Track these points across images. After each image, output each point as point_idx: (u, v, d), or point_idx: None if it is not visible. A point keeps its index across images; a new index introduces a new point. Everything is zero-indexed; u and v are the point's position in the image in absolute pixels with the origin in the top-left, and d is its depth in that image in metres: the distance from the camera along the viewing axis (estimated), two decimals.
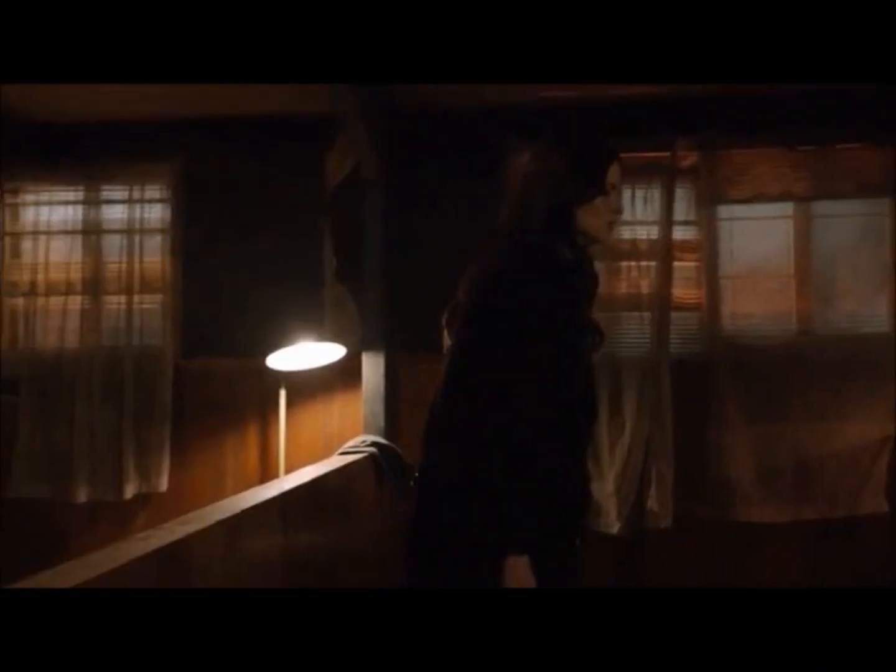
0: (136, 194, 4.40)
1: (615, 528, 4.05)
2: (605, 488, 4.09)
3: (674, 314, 4.22)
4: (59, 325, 4.36)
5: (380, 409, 3.94)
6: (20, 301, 4.42)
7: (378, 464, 3.59)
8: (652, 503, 4.07)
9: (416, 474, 1.76)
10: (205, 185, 4.37)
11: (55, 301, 4.38)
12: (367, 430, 3.88)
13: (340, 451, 3.63)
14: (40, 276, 4.39)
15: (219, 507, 2.85)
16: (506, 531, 1.60)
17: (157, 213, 4.41)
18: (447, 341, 1.88)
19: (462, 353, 1.76)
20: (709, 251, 4.25)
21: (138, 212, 4.39)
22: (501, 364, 1.65)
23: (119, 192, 4.43)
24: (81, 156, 4.37)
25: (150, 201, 4.41)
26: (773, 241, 4.30)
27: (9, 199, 4.48)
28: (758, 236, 4.29)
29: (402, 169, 4.23)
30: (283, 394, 4.16)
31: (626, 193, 4.27)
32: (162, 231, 4.41)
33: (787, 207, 4.31)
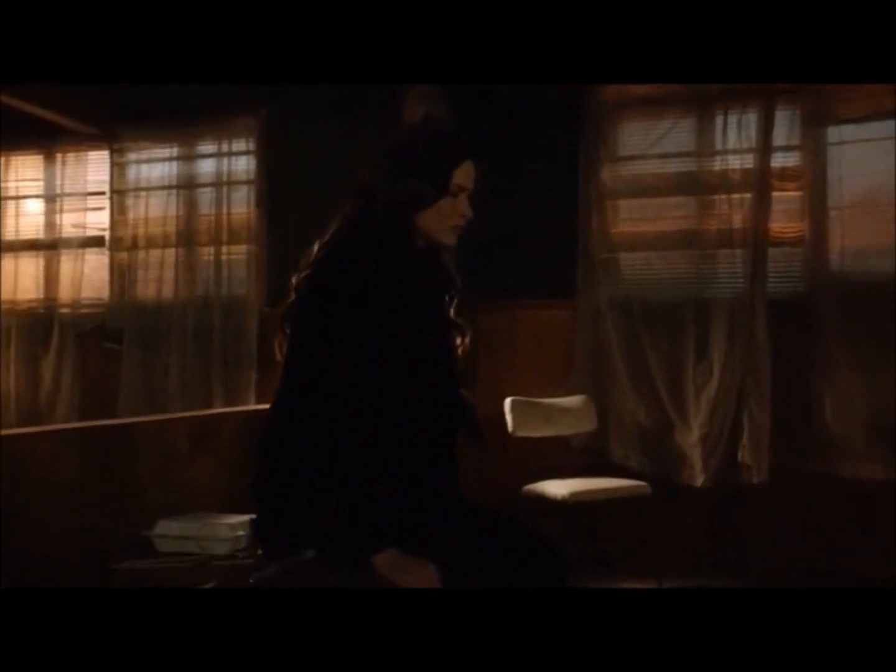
0: (224, 148, 4.50)
1: (699, 480, 3.76)
2: (690, 438, 3.79)
3: (771, 250, 3.84)
4: (157, 276, 4.56)
5: None
6: (124, 255, 4.65)
7: None
8: (744, 455, 3.74)
9: (251, 484, 1.67)
10: (288, 137, 4.40)
11: (154, 254, 4.58)
12: None
13: None
14: (140, 231, 4.60)
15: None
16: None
17: (243, 165, 4.50)
18: (283, 345, 1.75)
19: (299, 357, 1.67)
20: (814, 179, 3.82)
21: (226, 165, 4.49)
22: (342, 369, 1.61)
23: (208, 147, 4.56)
24: (174, 113, 4.51)
25: (237, 154, 4.50)
26: (892, 165, 3.80)
27: (116, 159, 4.72)
28: (873, 160, 3.80)
29: (475, 108, 4.08)
30: None
31: (718, 118, 3.92)
32: (248, 183, 4.50)
33: None
